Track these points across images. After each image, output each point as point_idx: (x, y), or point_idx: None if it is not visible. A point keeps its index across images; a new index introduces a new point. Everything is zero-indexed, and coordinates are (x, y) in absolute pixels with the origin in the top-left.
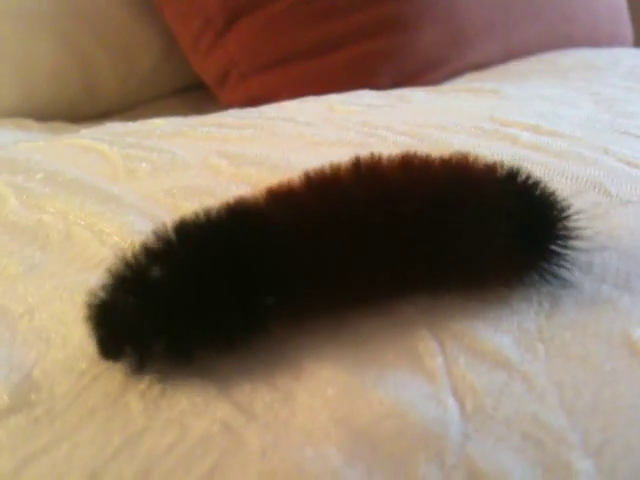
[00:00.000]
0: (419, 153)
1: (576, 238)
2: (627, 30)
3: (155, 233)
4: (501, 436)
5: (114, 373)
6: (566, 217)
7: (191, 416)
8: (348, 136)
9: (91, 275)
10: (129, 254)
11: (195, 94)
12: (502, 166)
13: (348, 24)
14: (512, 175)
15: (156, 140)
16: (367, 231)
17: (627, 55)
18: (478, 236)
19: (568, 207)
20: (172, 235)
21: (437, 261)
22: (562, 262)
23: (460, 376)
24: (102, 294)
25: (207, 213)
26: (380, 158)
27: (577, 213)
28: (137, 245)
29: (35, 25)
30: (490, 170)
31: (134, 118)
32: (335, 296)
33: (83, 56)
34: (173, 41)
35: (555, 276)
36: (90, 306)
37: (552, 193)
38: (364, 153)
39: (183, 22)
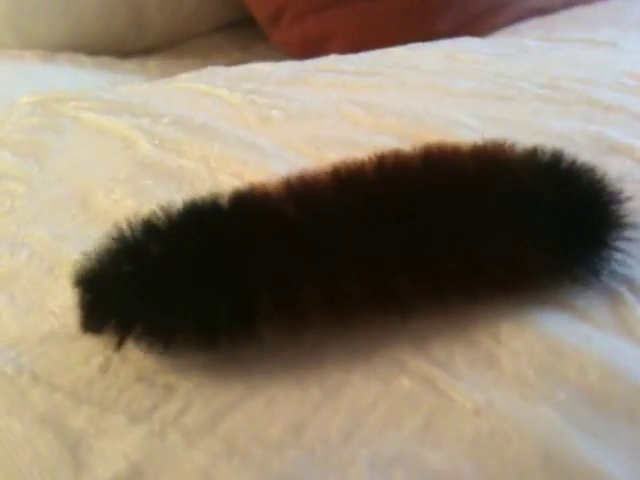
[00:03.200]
0: (446, 144)
1: (627, 228)
2: None
3: (162, 209)
4: None
5: None
6: (613, 207)
7: (391, 372)
8: (484, 87)
9: None
10: (129, 226)
11: (241, 31)
12: (543, 152)
13: None
14: (554, 161)
15: (276, 87)
16: (384, 233)
17: None
18: (507, 237)
19: (617, 194)
20: (177, 215)
21: (462, 266)
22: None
23: None
24: (94, 263)
25: (217, 198)
26: (403, 153)
27: (627, 199)
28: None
29: None
30: (529, 157)
31: (180, 54)
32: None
33: None
34: None
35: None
36: (80, 274)
37: (600, 180)
38: (505, 107)
39: None
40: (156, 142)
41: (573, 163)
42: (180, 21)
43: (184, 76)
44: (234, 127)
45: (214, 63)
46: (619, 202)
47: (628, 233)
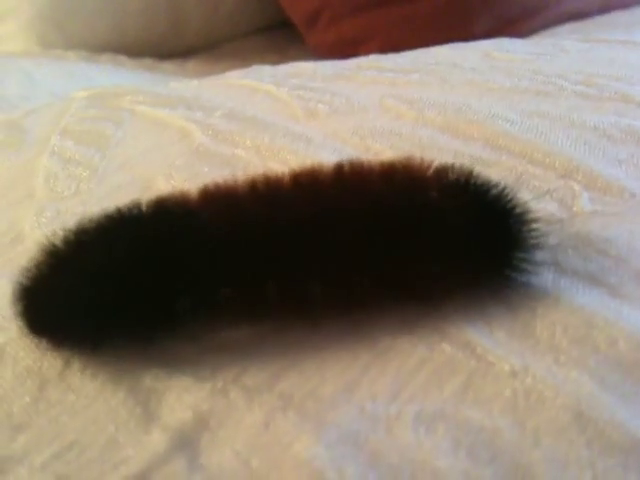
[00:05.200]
0: (355, 161)
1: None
2: None
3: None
4: None
5: None
6: (517, 227)
7: (433, 339)
8: (522, 84)
9: None
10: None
11: (278, 33)
12: (453, 170)
13: None
14: (462, 181)
15: (321, 83)
16: (290, 244)
17: None
18: (409, 256)
19: (525, 215)
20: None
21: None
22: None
23: None
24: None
25: (140, 205)
26: (318, 167)
27: (535, 221)
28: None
29: None
30: (438, 176)
31: (218, 56)
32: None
33: None
34: None
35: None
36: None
37: (509, 199)
38: (542, 101)
39: None
40: (210, 133)
41: (482, 182)
42: (218, 23)
43: (232, 73)
44: (281, 119)
45: (250, 65)
46: (525, 222)
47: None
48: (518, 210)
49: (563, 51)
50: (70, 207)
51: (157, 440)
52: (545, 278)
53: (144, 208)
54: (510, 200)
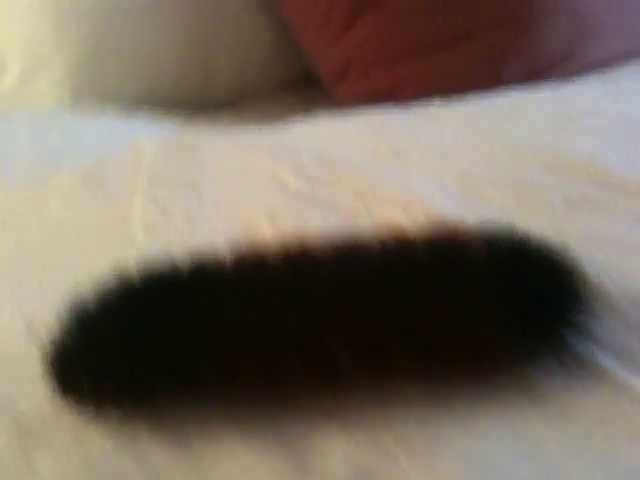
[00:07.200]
0: (399, 228)
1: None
2: None
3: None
4: None
5: None
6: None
7: None
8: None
9: None
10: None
11: (304, 89)
12: (497, 234)
13: (474, 17)
14: (509, 242)
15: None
16: (333, 311)
17: None
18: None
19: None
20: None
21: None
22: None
23: None
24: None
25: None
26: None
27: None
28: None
29: (159, 20)
30: (484, 238)
31: (246, 109)
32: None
33: (203, 51)
34: (284, 36)
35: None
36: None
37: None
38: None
39: (306, 14)
40: (303, 176)
41: (530, 243)
42: (247, 79)
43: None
44: (372, 159)
45: (280, 119)
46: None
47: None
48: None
49: None
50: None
51: None
52: None
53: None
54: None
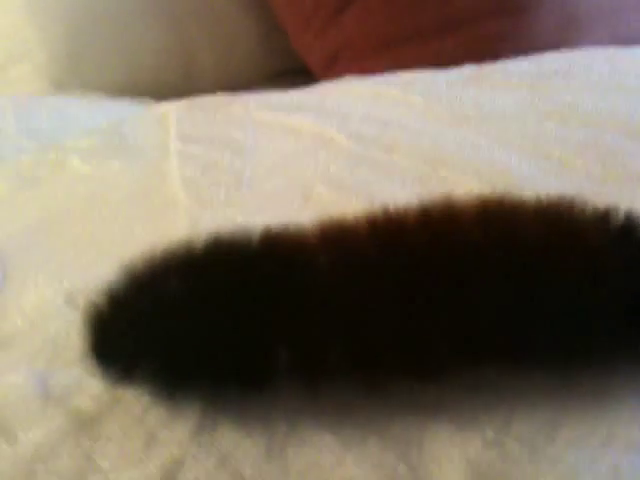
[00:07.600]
0: (507, 199)
1: None
2: None
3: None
4: None
5: None
6: None
7: None
8: None
9: None
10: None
11: (289, 80)
12: (617, 214)
13: (465, 5)
14: (629, 227)
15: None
16: (424, 299)
17: None
18: (569, 315)
19: None
20: (202, 253)
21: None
22: None
23: None
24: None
25: (249, 241)
26: (455, 206)
27: None
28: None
29: (141, 9)
30: (600, 221)
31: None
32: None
33: (185, 40)
34: (270, 26)
35: None
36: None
37: None
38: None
39: (294, 3)
40: (353, 137)
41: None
42: (231, 70)
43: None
44: (428, 124)
45: None
46: None
47: None
48: None
49: None
50: (229, 216)
51: None
52: None
53: (256, 245)
54: None
